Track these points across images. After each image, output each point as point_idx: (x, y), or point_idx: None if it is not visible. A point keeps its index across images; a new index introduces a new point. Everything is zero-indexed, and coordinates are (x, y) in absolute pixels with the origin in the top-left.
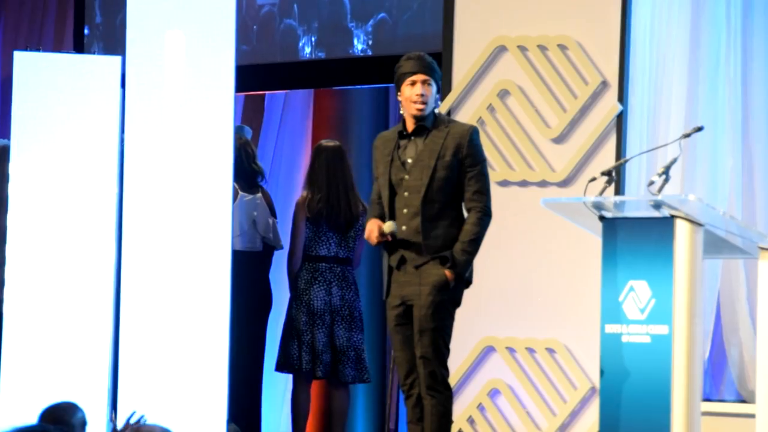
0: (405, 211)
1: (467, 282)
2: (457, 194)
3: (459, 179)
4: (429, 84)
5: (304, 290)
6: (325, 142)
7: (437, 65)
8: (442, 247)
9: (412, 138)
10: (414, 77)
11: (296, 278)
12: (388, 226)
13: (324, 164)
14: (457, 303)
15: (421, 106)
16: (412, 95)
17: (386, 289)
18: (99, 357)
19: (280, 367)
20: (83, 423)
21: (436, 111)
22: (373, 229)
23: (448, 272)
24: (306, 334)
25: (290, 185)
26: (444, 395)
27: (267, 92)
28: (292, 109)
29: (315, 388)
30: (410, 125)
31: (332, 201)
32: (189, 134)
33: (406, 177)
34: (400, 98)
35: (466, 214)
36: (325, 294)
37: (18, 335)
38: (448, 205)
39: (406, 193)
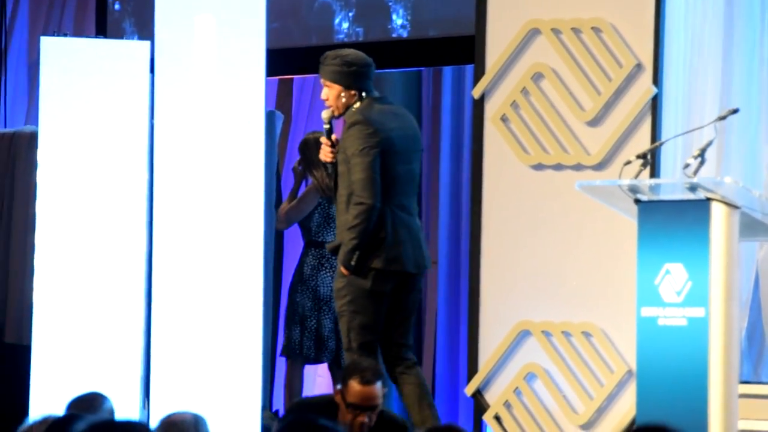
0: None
1: (353, 269)
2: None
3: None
4: (329, 86)
5: (311, 276)
6: None
7: (347, 65)
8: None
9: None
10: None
11: (302, 264)
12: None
13: None
14: (358, 290)
15: (328, 110)
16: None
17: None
18: (131, 345)
19: (284, 352)
20: (111, 412)
21: (354, 107)
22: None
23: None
24: (311, 320)
25: None
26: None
27: (296, 76)
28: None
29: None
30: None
31: None
32: (219, 120)
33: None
34: None
35: None
36: (331, 280)
37: (48, 324)
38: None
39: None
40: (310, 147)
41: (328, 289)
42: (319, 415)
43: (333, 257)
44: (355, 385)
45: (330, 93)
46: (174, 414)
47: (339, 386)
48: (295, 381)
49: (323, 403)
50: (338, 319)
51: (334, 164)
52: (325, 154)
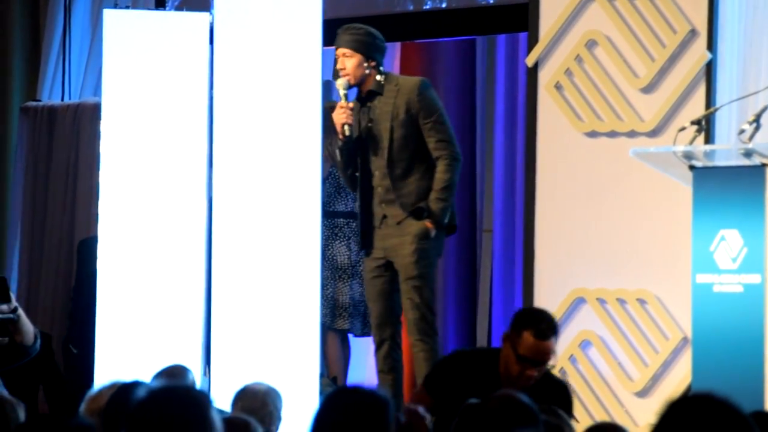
0: (377, 173)
1: (450, 228)
2: (420, 148)
3: (419, 133)
4: (348, 57)
5: (326, 246)
6: None
7: (370, 36)
8: (417, 201)
9: (367, 104)
10: (336, 51)
11: None
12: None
13: None
14: (439, 251)
15: (343, 79)
16: (336, 67)
17: (364, 242)
18: (193, 315)
19: None
20: (194, 383)
21: (379, 77)
22: (336, 114)
23: (427, 223)
24: (327, 289)
25: None
26: (433, 340)
27: None
28: None
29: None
30: (362, 92)
31: None
32: (278, 91)
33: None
34: None
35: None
36: (346, 249)
37: (112, 295)
38: (414, 160)
39: (372, 157)
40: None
41: (345, 258)
42: (474, 367)
43: (345, 226)
44: (529, 338)
45: (349, 62)
46: (250, 385)
47: (508, 332)
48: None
49: (480, 355)
50: (413, 285)
51: (350, 128)
52: (348, 116)
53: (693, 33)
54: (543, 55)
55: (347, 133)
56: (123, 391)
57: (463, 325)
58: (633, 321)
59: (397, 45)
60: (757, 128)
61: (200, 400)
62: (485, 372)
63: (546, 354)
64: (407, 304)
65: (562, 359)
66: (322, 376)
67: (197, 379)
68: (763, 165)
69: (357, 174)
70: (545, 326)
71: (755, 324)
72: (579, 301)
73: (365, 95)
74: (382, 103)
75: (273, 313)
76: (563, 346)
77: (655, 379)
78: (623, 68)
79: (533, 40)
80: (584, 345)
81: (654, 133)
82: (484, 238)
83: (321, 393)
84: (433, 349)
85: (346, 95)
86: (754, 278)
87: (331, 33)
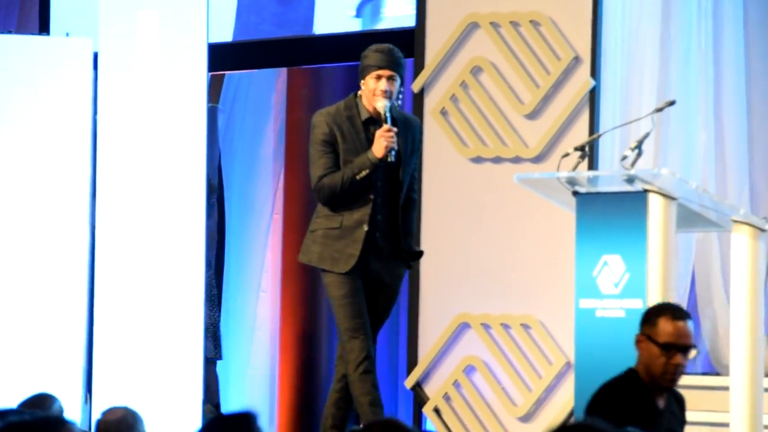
0: (379, 200)
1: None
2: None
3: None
4: (394, 80)
5: None
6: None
7: (404, 61)
8: (402, 239)
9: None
10: (380, 72)
11: None
12: (382, 106)
13: None
14: None
15: (383, 102)
16: (376, 89)
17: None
18: (73, 341)
19: None
20: (61, 411)
21: (397, 103)
22: (383, 135)
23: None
24: None
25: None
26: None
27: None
28: (256, 88)
29: None
30: (373, 113)
31: None
32: (162, 115)
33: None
34: (363, 86)
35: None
36: None
37: None
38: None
39: (379, 183)
40: None
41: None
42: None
43: None
44: (667, 323)
45: (395, 86)
46: (109, 410)
47: (640, 333)
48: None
49: (619, 382)
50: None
51: (394, 153)
52: (394, 141)
53: (577, 60)
54: (429, 80)
55: (390, 159)
56: None
57: None
58: (517, 346)
59: (284, 70)
60: (639, 154)
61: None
62: (632, 394)
63: (688, 336)
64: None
65: (445, 384)
66: (204, 403)
67: (77, 407)
68: (645, 191)
69: (372, 197)
70: (677, 308)
71: None
72: (463, 326)
73: (378, 119)
74: (402, 135)
75: (156, 341)
76: (447, 371)
77: (539, 404)
78: (508, 94)
79: (419, 66)
80: (468, 370)
81: (538, 159)
82: None
83: (203, 419)
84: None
85: (388, 118)
86: (636, 303)
87: (216, 57)
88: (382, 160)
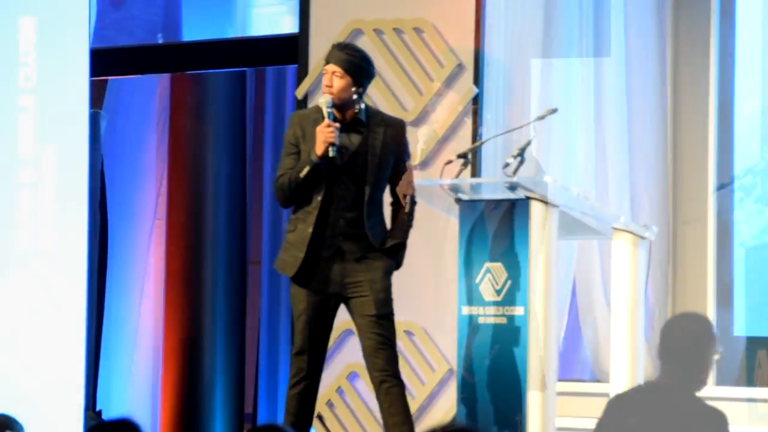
0: (343, 204)
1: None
2: (384, 188)
3: (393, 173)
4: (339, 76)
5: None
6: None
7: (365, 62)
8: (384, 238)
9: (351, 131)
10: (325, 66)
11: None
12: (323, 102)
13: None
14: None
15: (324, 98)
16: (323, 83)
17: (302, 273)
18: None
19: None
20: None
21: (362, 106)
22: (321, 131)
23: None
24: None
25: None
26: (402, 381)
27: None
28: (139, 94)
29: None
30: (346, 116)
31: None
32: (44, 121)
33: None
34: None
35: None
36: None
37: None
38: (380, 196)
39: (347, 187)
40: None
41: None
42: None
43: None
44: None
45: (338, 82)
46: None
47: None
48: None
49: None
50: (384, 322)
51: (335, 149)
52: (334, 136)
53: (460, 67)
54: (312, 87)
55: (331, 154)
56: None
57: (233, 356)
58: (400, 353)
59: (167, 76)
60: (521, 162)
61: None
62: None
63: None
64: (378, 340)
65: (329, 391)
66: (87, 410)
67: None
68: (528, 198)
69: (319, 198)
70: None
71: (519, 355)
72: (347, 333)
73: (349, 121)
74: (371, 135)
75: (36, 346)
76: (331, 377)
77: (422, 410)
78: (392, 101)
79: (302, 73)
80: (352, 377)
81: (422, 166)
82: (251, 269)
83: (85, 427)
84: (403, 390)
85: (330, 114)
86: (519, 310)
87: (98, 62)
88: (323, 158)
